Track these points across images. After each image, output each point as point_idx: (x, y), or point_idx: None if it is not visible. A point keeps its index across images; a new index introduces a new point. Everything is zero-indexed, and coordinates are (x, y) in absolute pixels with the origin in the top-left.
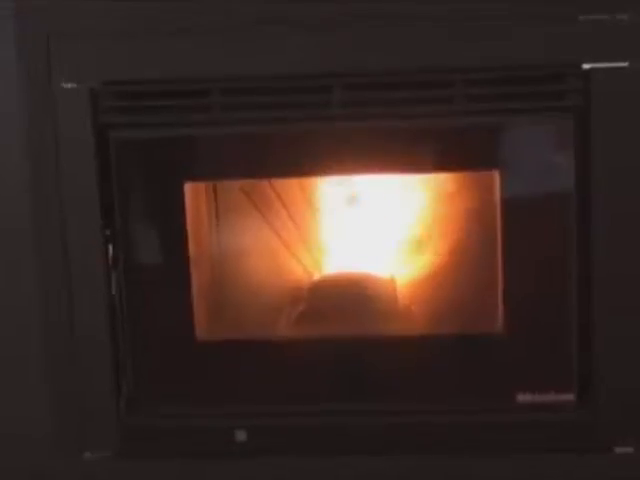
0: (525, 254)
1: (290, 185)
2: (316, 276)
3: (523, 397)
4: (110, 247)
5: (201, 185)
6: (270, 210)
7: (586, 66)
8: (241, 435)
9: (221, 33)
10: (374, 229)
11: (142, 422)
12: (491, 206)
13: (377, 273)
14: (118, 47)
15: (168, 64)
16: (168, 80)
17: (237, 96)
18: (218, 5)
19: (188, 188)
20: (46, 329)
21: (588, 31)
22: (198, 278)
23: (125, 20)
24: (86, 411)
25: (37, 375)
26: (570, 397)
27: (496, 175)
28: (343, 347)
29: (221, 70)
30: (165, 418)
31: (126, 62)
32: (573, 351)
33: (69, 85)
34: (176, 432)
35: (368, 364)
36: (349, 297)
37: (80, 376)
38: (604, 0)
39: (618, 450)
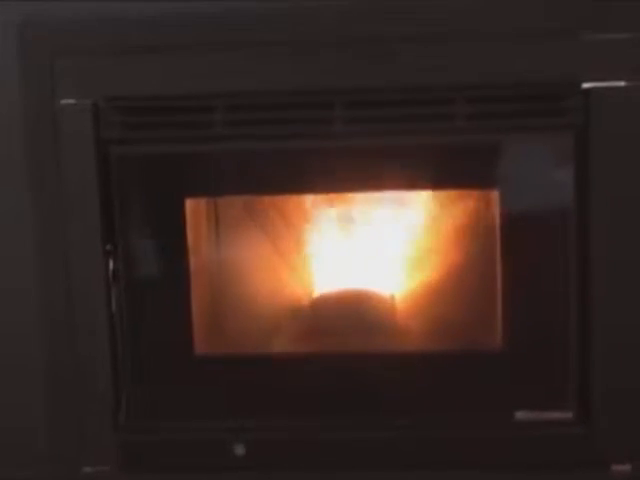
0: (524, 272)
1: (291, 201)
2: (316, 292)
3: (521, 414)
4: (111, 262)
5: (202, 201)
6: (270, 226)
7: (586, 85)
8: (239, 449)
9: (223, 50)
10: (374, 246)
11: (141, 436)
12: (490, 223)
13: (376, 290)
14: (120, 63)
15: (170, 80)
16: (169, 96)
17: (238, 113)
18: (220, 23)
19: (189, 204)
20: (46, 343)
21: (588, 50)
22: (198, 293)
23: (127, 36)
24: (85, 425)
25: (36, 389)
26: (568, 414)
27: (496, 192)
28: (342, 363)
29: (223, 87)
30: (164, 432)
31: (128, 78)
32: (571, 368)
33: (71, 101)
34: (175, 446)
35: (367, 380)
36: (348, 313)
37: (79, 390)
38: (604, 19)
39: (615, 468)
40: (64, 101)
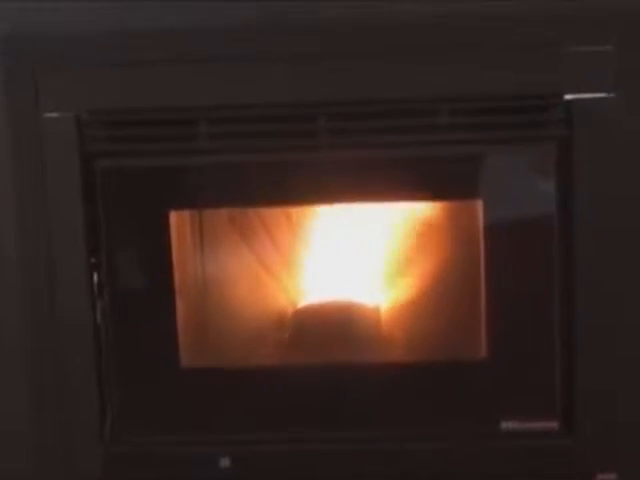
0: (508, 282)
1: (275, 214)
2: (300, 304)
3: (507, 424)
4: (95, 275)
5: (186, 213)
6: (255, 238)
7: (568, 96)
8: (225, 462)
9: (207, 63)
10: (358, 257)
11: (126, 449)
12: (474, 234)
13: (361, 301)
14: (104, 76)
15: (153, 93)
16: (154, 109)
17: (223, 125)
18: (204, 36)
19: (173, 217)
20: (31, 356)
21: (570, 62)
22: (183, 306)
23: (111, 49)
24: (70, 438)
25: (21, 401)
26: (554, 424)
27: (480, 204)
28: (327, 374)
29: (207, 100)
30: (149, 445)
31: (112, 91)
32: (556, 378)
33: (55, 114)
34: (160, 459)
35: (352, 391)
36: (333, 325)
37: (64, 403)
38: (587, 31)
39: (601, 477)
40: (47, 115)
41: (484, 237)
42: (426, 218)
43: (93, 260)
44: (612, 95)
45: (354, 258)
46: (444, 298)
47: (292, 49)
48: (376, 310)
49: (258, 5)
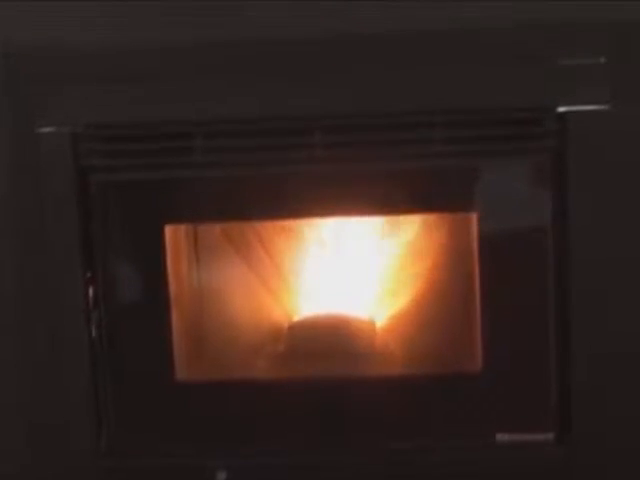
0: (503, 294)
1: (270, 227)
2: (296, 318)
3: (502, 436)
4: (91, 289)
5: (181, 227)
6: (250, 252)
7: (562, 109)
8: (222, 475)
9: (202, 78)
10: (353, 271)
11: (122, 462)
12: (469, 247)
13: (356, 314)
14: (99, 91)
15: (149, 108)
16: (149, 123)
17: (218, 139)
18: (200, 51)
19: (169, 230)
20: (27, 369)
21: (564, 74)
22: (178, 319)
23: (106, 65)
24: (66, 451)
25: (17, 415)
26: (549, 436)
27: (474, 216)
28: (323, 388)
29: (202, 114)
30: (145, 458)
31: (107, 106)
32: (552, 390)
33: (50, 129)
34: (156, 472)
35: (348, 404)
36: (328, 338)
37: (60, 417)
38: (580, 44)
39: None
40: (43, 129)
41: (479, 249)
42: (421, 231)
43: (88, 274)
44: (605, 107)
45: (350, 271)
46: (439, 311)
47: (287, 63)
48: (371, 323)
49: (255, 21)
